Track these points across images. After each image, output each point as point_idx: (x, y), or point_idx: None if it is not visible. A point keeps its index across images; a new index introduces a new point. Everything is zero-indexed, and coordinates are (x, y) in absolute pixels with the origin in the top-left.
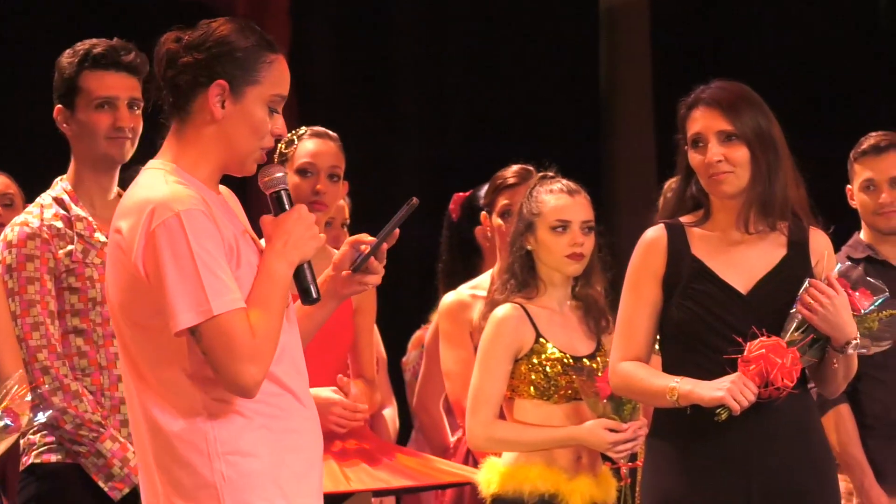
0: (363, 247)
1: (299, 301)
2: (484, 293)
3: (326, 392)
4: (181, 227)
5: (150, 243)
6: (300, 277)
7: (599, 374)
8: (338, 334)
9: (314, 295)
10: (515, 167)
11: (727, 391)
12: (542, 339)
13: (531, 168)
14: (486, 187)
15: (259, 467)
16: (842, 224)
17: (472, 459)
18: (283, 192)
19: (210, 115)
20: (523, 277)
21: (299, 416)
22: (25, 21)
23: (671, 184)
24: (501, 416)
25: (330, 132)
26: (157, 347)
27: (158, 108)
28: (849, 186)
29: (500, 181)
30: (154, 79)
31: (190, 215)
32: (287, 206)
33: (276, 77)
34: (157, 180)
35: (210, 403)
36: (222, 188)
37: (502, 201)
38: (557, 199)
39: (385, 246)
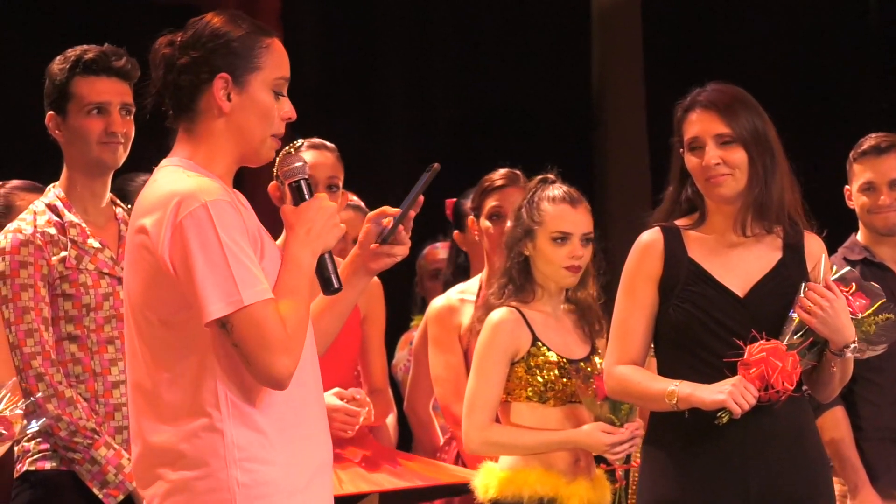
0: (386, 220)
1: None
2: (473, 297)
3: (330, 397)
4: (209, 218)
5: (177, 235)
6: (321, 267)
7: (596, 376)
8: (346, 342)
9: (336, 284)
10: (502, 170)
11: (728, 394)
12: (538, 343)
13: (518, 172)
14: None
15: (274, 475)
16: (833, 226)
17: (461, 463)
18: (302, 182)
19: (218, 110)
20: (520, 282)
21: (311, 420)
22: (14, 29)
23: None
24: (497, 419)
25: (327, 143)
26: (179, 344)
27: (153, 114)
28: (847, 187)
29: (487, 184)
30: (150, 85)
31: (217, 205)
32: (307, 196)
33: (276, 60)
34: (177, 175)
35: (230, 404)
36: (239, 194)
37: (491, 203)
38: (559, 210)
39: (412, 213)
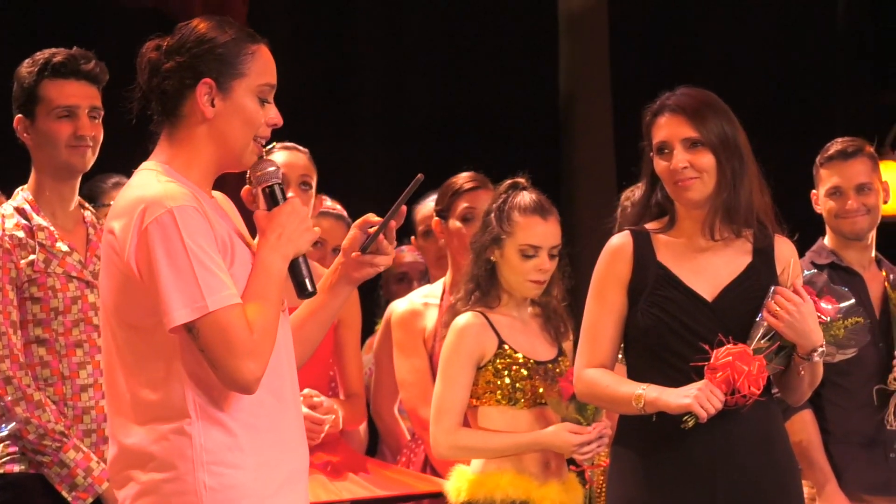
0: (371, 228)
1: (313, 301)
2: (437, 301)
3: None
4: (174, 223)
5: (142, 241)
6: (295, 271)
7: (560, 377)
8: (321, 346)
9: (310, 288)
10: (468, 173)
11: (694, 398)
12: (504, 346)
13: (482, 175)
14: (432, 197)
15: (242, 480)
16: (801, 229)
17: (430, 467)
18: (276, 187)
19: (201, 115)
20: (486, 288)
21: (285, 426)
22: None
23: (628, 194)
24: (465, 424)
25: (299, 146)
26: (149, 349)
27: (133, 116)
28: (814, 192)
29: (457, 186)
30: (135, 89)
31: (183, 211)
32: (280, 201)
33: (261, 67)
34: (149, 179)
35: (199, 408)
36: (218, 194)
37: (462, 205)
38: (530, 223)
39: (393, 224)
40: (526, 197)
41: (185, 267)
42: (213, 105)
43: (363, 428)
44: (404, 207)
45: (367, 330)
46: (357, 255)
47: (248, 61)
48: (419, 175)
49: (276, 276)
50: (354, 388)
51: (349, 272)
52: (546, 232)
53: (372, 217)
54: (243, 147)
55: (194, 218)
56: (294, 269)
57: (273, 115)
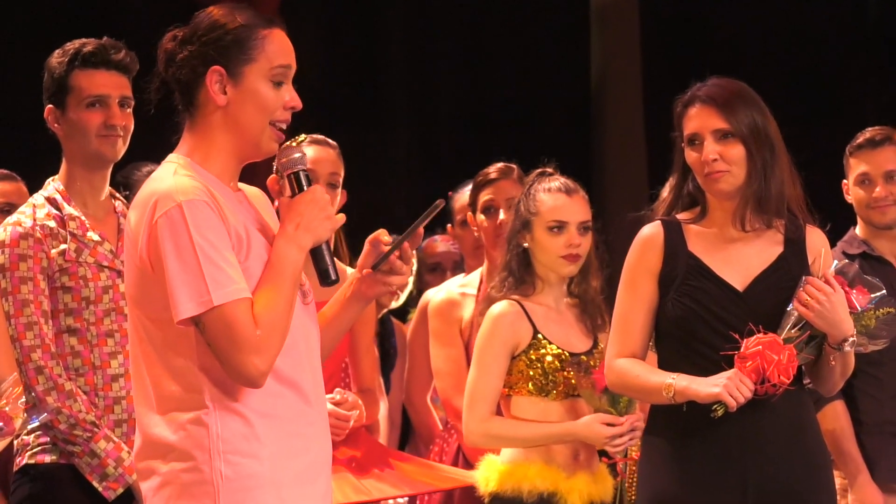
0: (385, 247)
1: (332, 302)
2: (474, 291)
3: None
4: (182, 218)
5: (152, 235)
6: (318, 258)
7: (595, 368)
8: None
9: (333, 276)
10: (497, 164)
11: (723, 387)
12: (539, 336)
13: (513, 165)
14: (469, 187)
15: (258, 469)
16: (837, 220)
17: (462, 456)
18: (301, 173)
19: (214, 103)
20: (520, 275)
21: (305, 418)
22: (13, 22)
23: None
24: (498, 412)
25: (329, 140)
26: (167, 340)
27: (158, 109)
28: (844, 181)
29: (480, 178)
30: (156, 80)
31: (192, 205)
32: (305, 187)
33: (273, 50)
34: (167, 173)
35: (216, 399)
36: (252, 189)
37: (485, 197)
38: (555, 199)
39: (407, 245)
40: (552, 181)
41: (192, 261)
42: (224, 92)
43: (383, 415)
44: (421, 230)
45: (400, 319)
46: (368, 273)
47: (259, 46)
48: (439, 200)
49: (290, 268)
50: (367, 383)
51: (362, 289)
52: (572, 207)
53: (383, 234)
54: (259, 132)
55: (204, 212)
56: (317, 257)
57: (291, 97)
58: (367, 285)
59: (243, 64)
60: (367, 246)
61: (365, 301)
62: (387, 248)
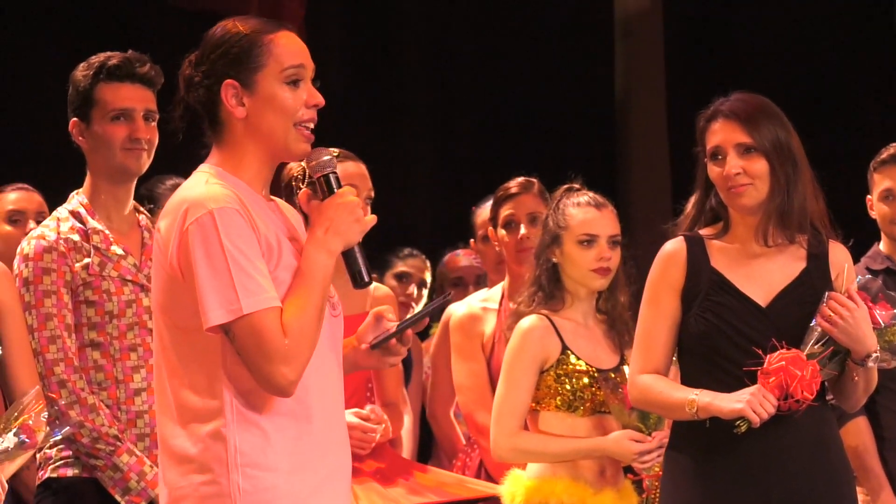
0: (389, 325)
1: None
2: (495, 306)
3: (347, 415)
4: (213, 225)
5: (183, 241)
6: (350, 260)
7: (624, 385)
8: None
9: (365, 278)
10: (516, 179)
11: (747, 403)
12: (567, 351)
13: (533, 179)
14: (487, 202)
15: (276, 482)
16: (860, 236)
17: (484, 471)
18: (331, 176)
19: (234, 117)
20: (550, 290)
21: (325, 426)
22: (37, 35)
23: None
24: (525, 427)
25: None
26: (192, 350)
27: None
28: (868, 196)
29: (501, 193)
30: (178, 105)
31: (223, 213)
32: (335, 189)
33: (281, 52)
34: (198, 181)
35: (235, 410)
36: (282, 203)
37: (505, 212)
38: (585, 213)
39: (409, 331)
40: (580, 195)
41: (223, 268)
42: (242, 104)
43: (409, 428)
44: (427, 319)
45: (423, 334)
46: (366, 347)
47: (266, 51)
48: (449, 293)
49: (320, 275)
50: (391, 397)
51: (358, 359)
52: (602, 221)
53: (388, 312)
54: (284, 136)
55: (235, 220)
56: (349, 259)
57: (312, 95)
58: (363, 358)
59: (254, 72)
60: (370, 318)
61: (358, 369)
62: (389, 325)
